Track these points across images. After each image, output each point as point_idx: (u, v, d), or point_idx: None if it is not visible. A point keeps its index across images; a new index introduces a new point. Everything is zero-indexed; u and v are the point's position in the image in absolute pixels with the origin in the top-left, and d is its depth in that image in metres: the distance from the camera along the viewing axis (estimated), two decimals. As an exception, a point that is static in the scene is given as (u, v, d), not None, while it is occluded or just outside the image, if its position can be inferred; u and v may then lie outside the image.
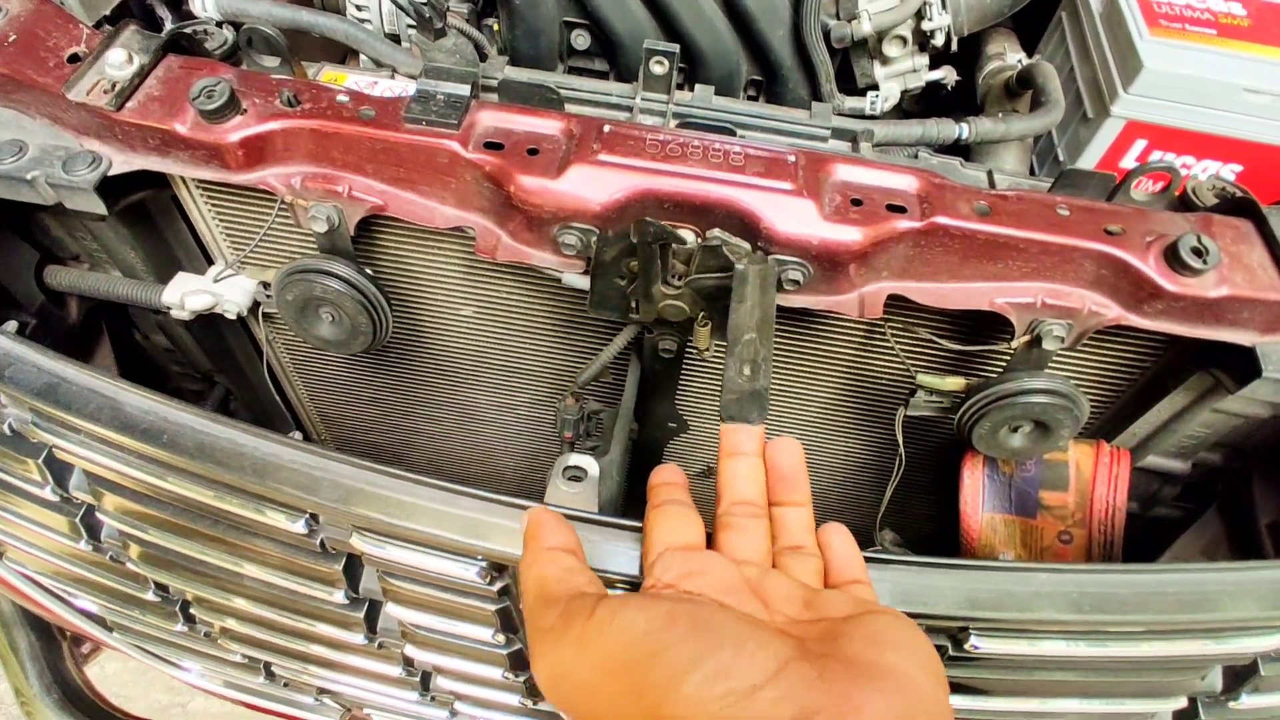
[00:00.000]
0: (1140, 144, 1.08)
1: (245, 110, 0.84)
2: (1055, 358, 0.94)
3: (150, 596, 0.90)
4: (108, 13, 1.15)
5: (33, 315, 1.05)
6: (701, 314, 0.81)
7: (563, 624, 0.50)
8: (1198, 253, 0.79)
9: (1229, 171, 1.09)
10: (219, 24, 1.03)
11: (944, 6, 1.23)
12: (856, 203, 0.82)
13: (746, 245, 0.77)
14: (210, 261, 1.09)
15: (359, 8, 1.42)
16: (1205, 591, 0.68)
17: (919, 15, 1.23)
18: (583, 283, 0.86)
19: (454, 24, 1.05)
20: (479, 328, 1.11)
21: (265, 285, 0.99)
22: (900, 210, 0.82)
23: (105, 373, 0.70)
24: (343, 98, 0.86)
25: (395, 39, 1.44)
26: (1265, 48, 1.04)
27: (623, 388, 0.99)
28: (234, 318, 1.04)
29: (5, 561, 0.97)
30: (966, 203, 0.82)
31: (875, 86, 1.33)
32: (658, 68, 0.95)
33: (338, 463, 0.70)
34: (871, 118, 1.39)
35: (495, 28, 1.37)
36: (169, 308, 1.03)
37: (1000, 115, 1.14)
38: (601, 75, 1.38)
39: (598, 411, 0.95)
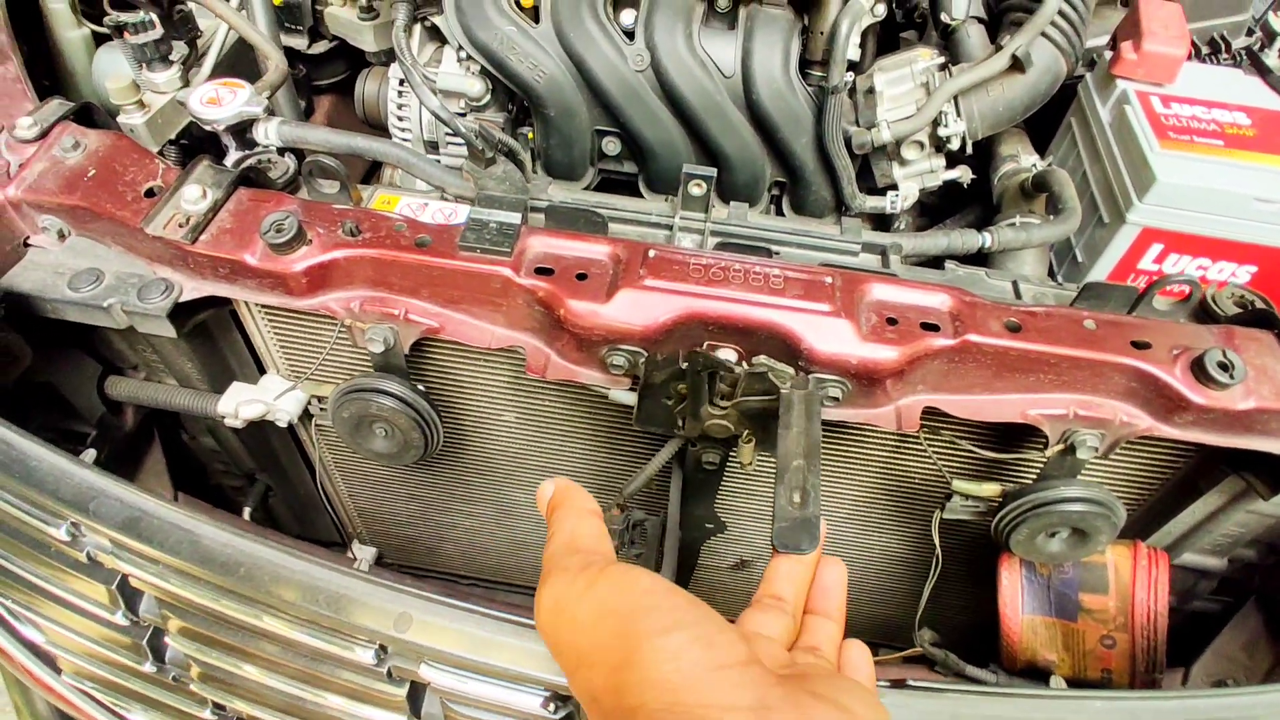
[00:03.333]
0: (1156, 248, 1.12)
1: (310, 241, 0.89)
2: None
3: (209, 715, 0.91)
4: (173, 137, 1.22)
5: (93, 426, 1.09)
6: (746, 432, 0.84)
7: (579, 568, 0.56)
8: (1224, 367, 0.82)
9: (1244, 272, 1.13)
10: (280, 151, 1.10)
11: (959, 114, 1.30)
12: (892, 321, 0.86)
13: (790, 370, 0.81)
14: (262, 370, 1.13)
15: (400, 119, 1.51)
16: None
17: (935, 122, 1.30)
18: (629, 398, 0.89)
19: (492, 135, 1.11)
20: (522, 432, 1.14)
21: (319, 399, 1.03)
22: (934, 329, 0.85)
23: (184, 507, 0.73)
24: (400, 225, 0.91)
25: (434, 145, 1.52)
26: (1272, 157, 1.08)
27: (660, 491, 1.02)
28: (284, 426, 1.08)
29: (64, 678, 0.99)
30: (997, 320, 0.86)
31: (895, 186, 1.39)
32: (696, 190, 1.01)
33: (410, 595, 0.72)
34: (892, 216, 1.45)
35: (530, 135, 1.45)
36: (223, 417, 1.07)
37: (1019, 222, 1.19)
38: (631, 177, 1.45)
39: (642, 521, 0.98)
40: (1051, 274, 1.30)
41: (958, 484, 0.95)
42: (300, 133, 1.08)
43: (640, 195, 1.44)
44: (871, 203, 1.38)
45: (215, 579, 0.70)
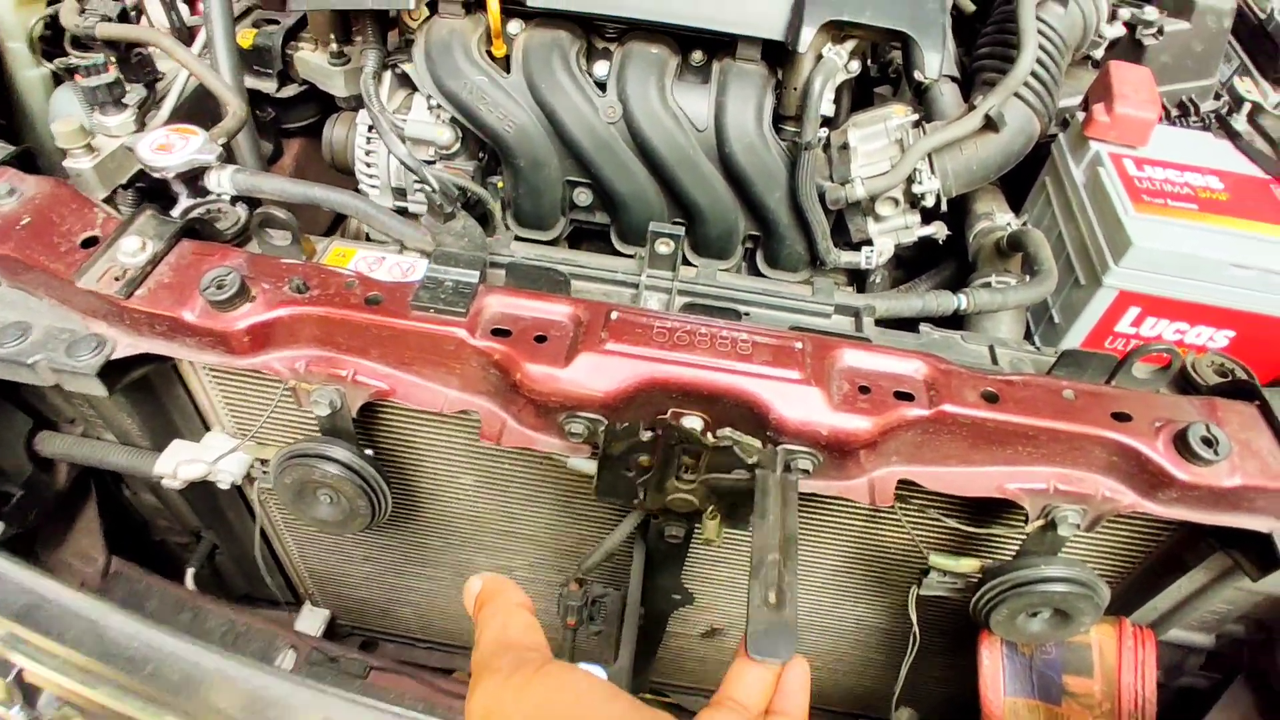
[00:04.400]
0: (1134, 310, 1.10)
1: (254, 298, 0.84)
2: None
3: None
4: (124, 182, 1.18)
5: (20, 486, 1.02)
6: (711, 508, 0.79)
7: (511, 668, 0.53)
8: (1208, 443, 0.79)
9: (1223, 336, 1.11)
10: (236, 200, 1.05)
11: (933, 171, 1.28)
12: (864, 390, 0.82)
13: (758, 444, 0.76)
14: (207, 426, 1.07)
15: (368, 165, 1.48)
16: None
17: (910, 179, 1.28)
18: (589, 467, 0.85)
19: (451, 189, 1.08)
20: (480, 496, 1.09)
21: (263, 462, 0.97)
22: (908, 398, 0.82)
23: (89, 595, 0.66)
24: (351, 282, 0.87)
25: (402, 193, 1.48)
26: (1246, 222, 1.07)
27: (624, 563, 0.96)
28: (227, 488, 1.02)
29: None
30: (973, 389, 0.83)
31: (870, 241, 1.37)
32: (663, 248, 0.97)
33: (334, 697, 0.66)
34: (867, 270, 1.43)
35: (500, 185, 1.42)
36: (161, 477, 1.01)
37: (996, 283, 1.17)
38: (603, 227, 1.42)
39: (602, 595, 0.92)
40: (1028, 335, 1.28)
41: (935, 559, 0.91)
42: (255, 181, 1.04)
43: (612, 245, 1.41)
44: (846, 258, 1.36)
45: (119, 677, 0.64)
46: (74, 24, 1.13)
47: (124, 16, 1.17)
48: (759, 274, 1.42)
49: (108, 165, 1.12)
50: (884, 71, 1.71)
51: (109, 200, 1.11)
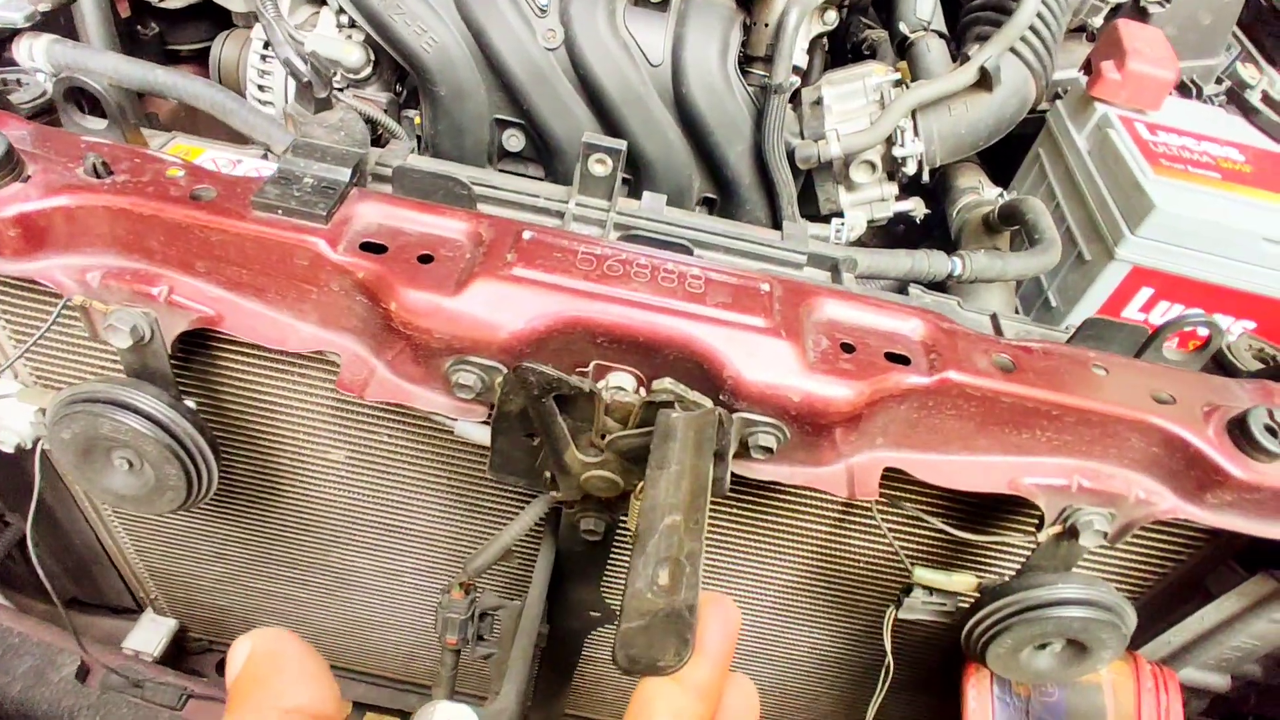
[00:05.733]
0: (1146, 292, 0.95)
1: (28, 177, 0.61)
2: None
3: None
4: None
5: None
6: (639, 485, 0.59)
7: None
8: (1272, 431, 0.62)
9: (1240, 328, 0.96)
10: (51, 77, 0.81)
11: (916, 133, 1.12)
12: (848, 349, 0.63)
13: (708, 403, 0.56)
14: (-2, 373, 0.82)
15: (261, 87, 1.24)
16: None
17: (890, 140, 1.12)
18: (482, 435, 0.63)
19: (348, 101, 0.87)
20: (353, 477, 0.86)
21: (45, 412, 0.73)
22: (903, 361, 0.63)
23: None
24: (176, 171, 0.64)
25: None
26: (1274, 194, 0.93)
27: (530, 564, 0.75)
28: (12, 451, 0.77)
29: None
30: (985, 355, 0.64)
31: (840, 214, 1.20)
32: (599, 167, 0.77)
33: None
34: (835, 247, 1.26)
35: (417, 120, 1.20)
36: (-81, 435, 0.75)
37: (995, 251, 1.00)
38: (535, 180, 1.21)
39: (495, 608, 0.71)
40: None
41: (920, 573, 0.72)
42: (79, 56, 0.80)
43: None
44: (813, 230, 1.18)
45: None
46: None
47: None
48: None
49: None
50: (858, 50, 1.55)
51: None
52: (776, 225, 1.18)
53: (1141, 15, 1.22)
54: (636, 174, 1.15)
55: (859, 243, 1.24)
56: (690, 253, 0.76)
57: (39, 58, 0.81)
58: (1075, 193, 1.02)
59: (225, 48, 1.28)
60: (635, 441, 0.56)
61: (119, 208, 0.61)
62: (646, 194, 0.86)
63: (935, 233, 1.28)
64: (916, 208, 1.21)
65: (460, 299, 0.60)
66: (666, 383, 0.56)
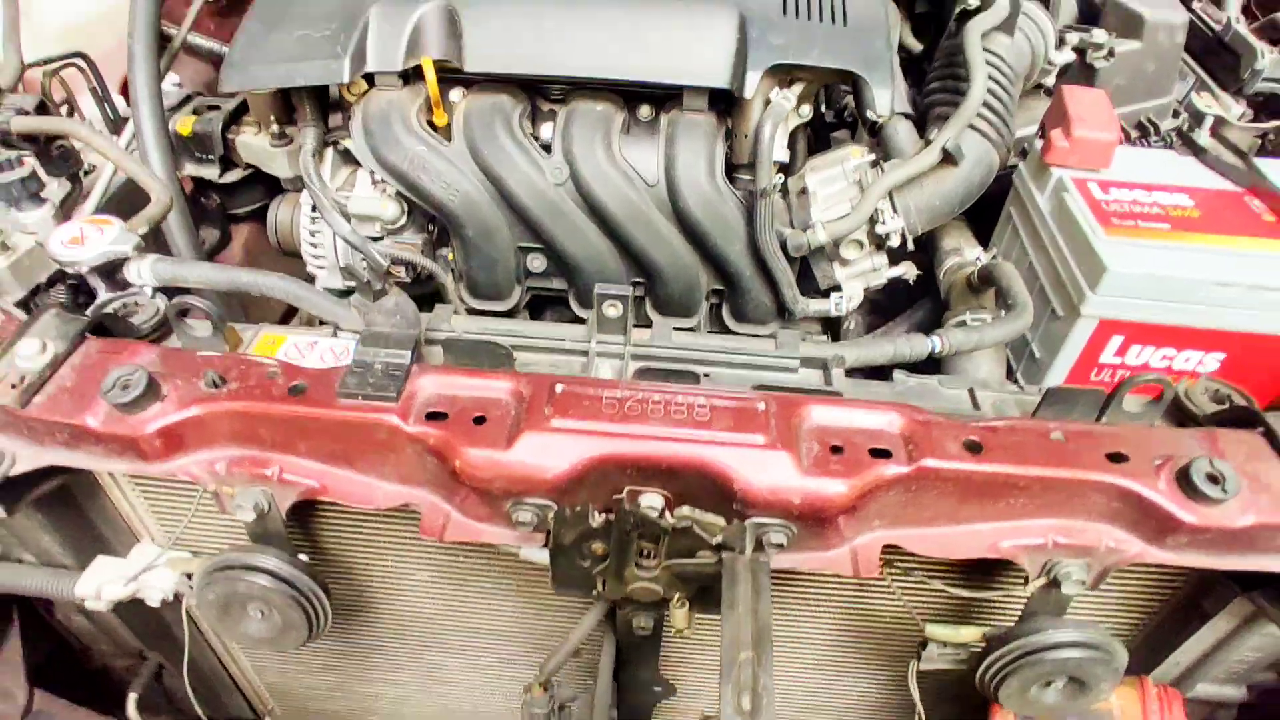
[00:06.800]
0: (1117, 339, 1.04)
1: (165, 396, 0.77)
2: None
3: None
4: (44, 280, 1.11)
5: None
6: (678, 595, 0.71)
7: None
8: (1214, 479, 0.72)
9: (1213, 360, 1.05)
10: (158, 292, 0.99)
11: (895, 210, 1.24)
12: (837, 450, 0.75)
13: (720, 521, 0.69)
14: (138, 538, 0.99)
15: (314, 245, 1.42)
16: None
17: (872, 220, 1.24)
18: (543, 556, 0.77)
19: (381, 264, 1.02)
20: (436, 592, 1.00)
21: (190, 576, 0.89)
22: (885, 455, 0.75)
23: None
24: (273, 371, 0.80)
25: (352, 273, 1.43)
26: (1222, 238, 1.03)
27: (597, 657, 0.87)
28: (157, 605, 0.93)
29: None
30: (955, 440, 0.76)
31: (839, 287, 1.32)
32: (611, 310, 0.91)
33: None
34: (839, 317, 1.38)
35: (450, 257, 1.36)
36: (84, 600, 0.92)
37: (970, 320, 1.11)
38: (560, 293, 1.36)
39: (571, 699, 0.83)
40: (1010, 372, 1.22)
41: (932, 629, 0.82)
42: (177, 270, 0.98)
43: (573, 312, 1.36)
44: (815, 306, 1.31)
45: None
46: (-13, 119, 1.08)
47: (43, 109, 1.13)
48: (726, 329, 1.37)
49: (24, 264, 1.06)
50: (840, 116, 1.69)
51: (26, 302, 1.05)
52: (780, 308, 1.31)
53: (1089, 71, 1.33)
54: (650, 280, 1.29)
55: (865, 304, 1.35)
56: (698, 379, 0.89)
57: (145, 275, 0.98)
58: (1043, 251, 1.13)
59: (280, 212, 1.46)
60: (682, 565, 0.69)
61: (236, 411, 0.77)
62: (656, 320, 0.99)
63: (931, 287, 1.39)
64: (908, 271, 1.33)
65: (511, 452, 0.74)
66: (686, 511, 0.69)
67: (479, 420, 0.76)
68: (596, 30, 1.19)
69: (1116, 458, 0.75)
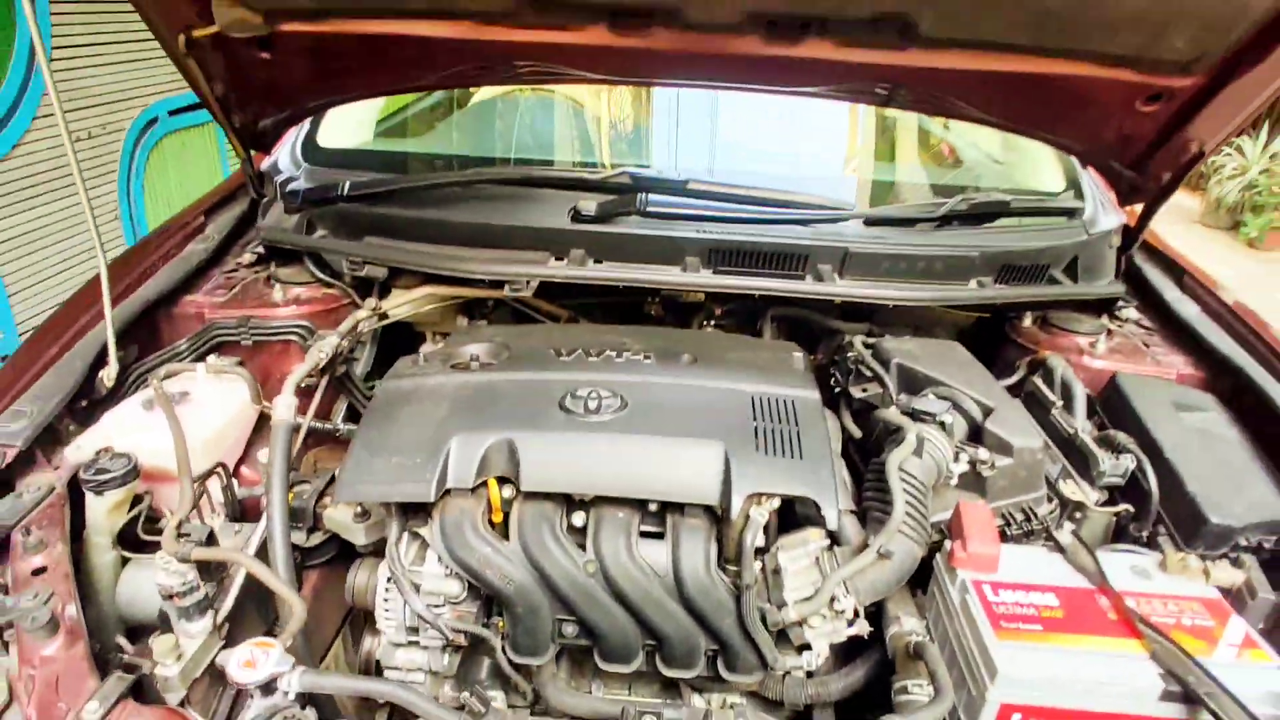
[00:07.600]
0: (1017, 716, 1.39)
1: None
2: None
3: None
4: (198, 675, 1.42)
5: None
6: None
7: None
8: None
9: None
10: (304, 702, 1.31)
11: (848, 592, 1.64)
12: None
13: None
14: None
15: (386, 609, 1.76)
16: None
17: (830, 600, 1.63)
18: None
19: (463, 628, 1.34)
20: None
21: None
22: None
23: None
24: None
25: (414, 630, 1.76)
26: (1081, 637, 1.41)
27: None
28: None
29: None
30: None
31: (809, 646, 1.68)
32: (645, 720, 1.25)
33: None
34: (810, 673, 1.72)
35: (500, 625, 1.71)
36: None
37: (911, 689, 1.46)
38: (586, 651, 1.70)
39: None
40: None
41: None
42: (319, 680, 1.31)
43: (596, 664, 1.69)
44: (791, 661, 1.67)
45: None
46: (173, 550, 1.45)
47: (212, 539, 1.51)
48: (720, 679, 1.70)
49: (188, 667, 1.38)
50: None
51: (185, 701, 1.36)
52: (763, 664, 1.66)
53: (979, 478, 1.81)
54: (660, 643, 1.64)
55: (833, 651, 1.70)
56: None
57: (294, 685, 1.30)
58: (957, 639, 1.51)
59: (359, 577, 1.81)
60: None
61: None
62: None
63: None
64: (862, 629, 1.69)
65: None
66: None
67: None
68: (619, 461, 1.64)
69: None
